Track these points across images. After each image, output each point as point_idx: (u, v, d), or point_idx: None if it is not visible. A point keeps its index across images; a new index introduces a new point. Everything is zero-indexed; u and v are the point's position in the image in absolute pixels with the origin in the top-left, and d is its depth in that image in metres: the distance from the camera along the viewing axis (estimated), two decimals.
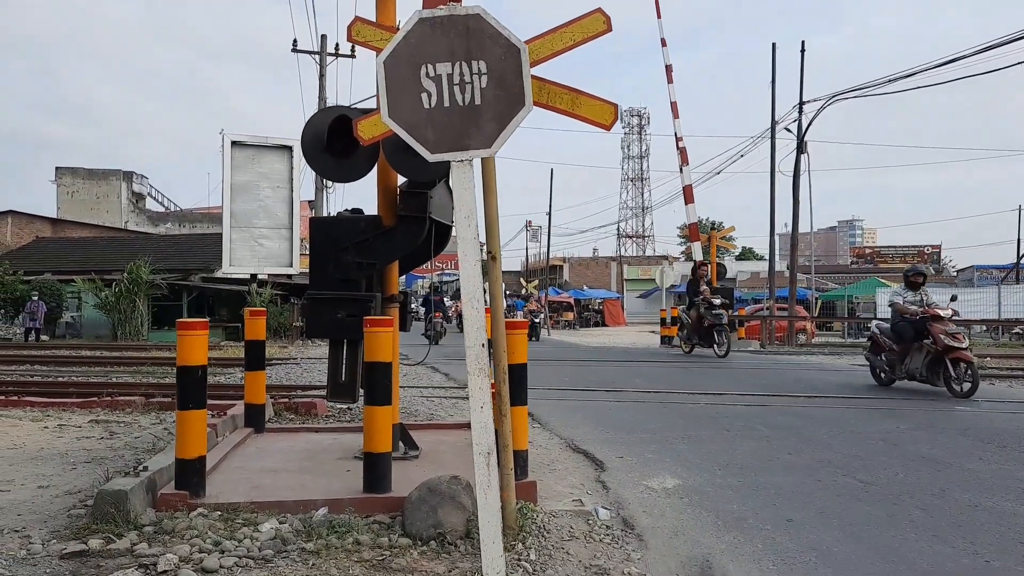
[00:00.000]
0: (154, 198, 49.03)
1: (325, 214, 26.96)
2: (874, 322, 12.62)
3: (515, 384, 4.90)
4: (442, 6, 3.66)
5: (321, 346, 20.87)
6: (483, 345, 3.54)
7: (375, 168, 5.92)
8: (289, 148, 27.57)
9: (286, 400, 9.18)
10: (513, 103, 3.56)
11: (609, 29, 4.08)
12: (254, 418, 7.01)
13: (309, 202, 30.27)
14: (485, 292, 4.04)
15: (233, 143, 25.90)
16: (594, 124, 4.08)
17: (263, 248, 27.13)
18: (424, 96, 3.56)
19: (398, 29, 4.65)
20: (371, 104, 29.14)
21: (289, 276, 26.23)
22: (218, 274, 26.94)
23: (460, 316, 20.91)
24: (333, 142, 5.81)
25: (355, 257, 5.78)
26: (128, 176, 42.90)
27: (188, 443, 4.64)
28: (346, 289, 5.78)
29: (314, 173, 26.43)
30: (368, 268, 5.82)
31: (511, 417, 4.42)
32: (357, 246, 5.80)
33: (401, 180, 5.99)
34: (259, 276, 24.16)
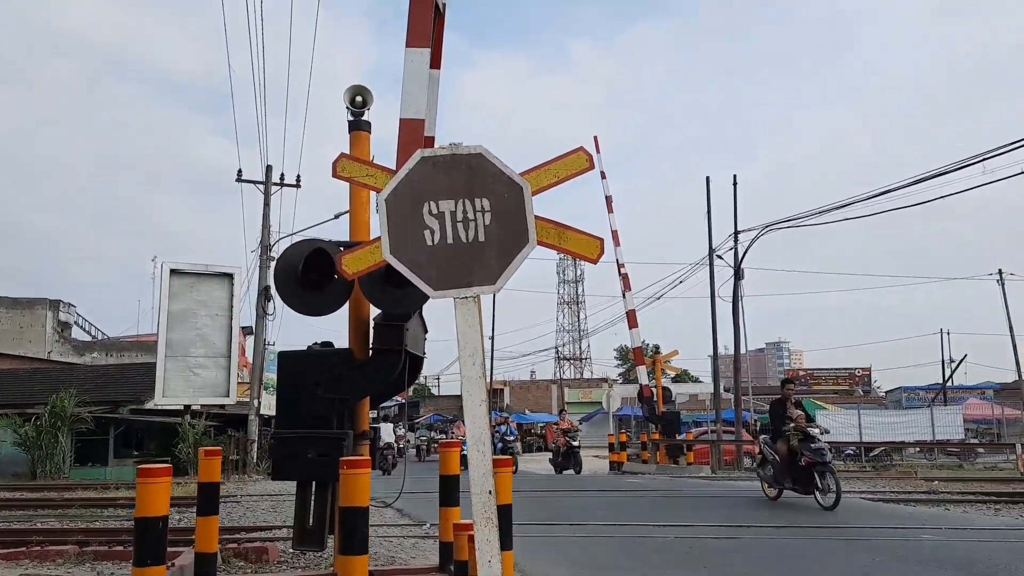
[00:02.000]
0: (80, 327, 47.35)
1: (265, 342, 26.33)
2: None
3: (501, 527, 4.65)
4: (444, 146, 3.68)
5: (261, 481, 19.86)
6: (490, 492, 3.34)
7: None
8: (230, 276, 26.91)
9: (234, 545, 8.54)
10: (517, 240, 3.54)
11: (592, 167, 4.16)
12: (205, 569, 6.46)
13: (245, 328, 29.60)
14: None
15: (172, 271, 25.15)
16: (581, 257, 4.10)
17: (198, 378, 25.98)
18: (427, 233, 3.51)
19: (372, 162, 4.66)
20: (315, 232, 29.06)
21: (223, 406, 25.16)
22: (149, 405, 25.69)
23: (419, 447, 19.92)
24: (305, 274, 5.70)
25: (326, 393, 5.56)
26: (55, 304, 41.45)
27: None
28: (316, 427, 5.52)
29: (254, 299, 26.03)
30: (340, 404, 5.59)
31: (499, 565, 4.16)
32: (328, 381, 5.59)
33: (375, 313, 5.88)
34: (193, 407, 23.15)
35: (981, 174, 14.55)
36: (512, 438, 23.71)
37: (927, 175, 15.77)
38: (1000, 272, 39.02)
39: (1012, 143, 13.47)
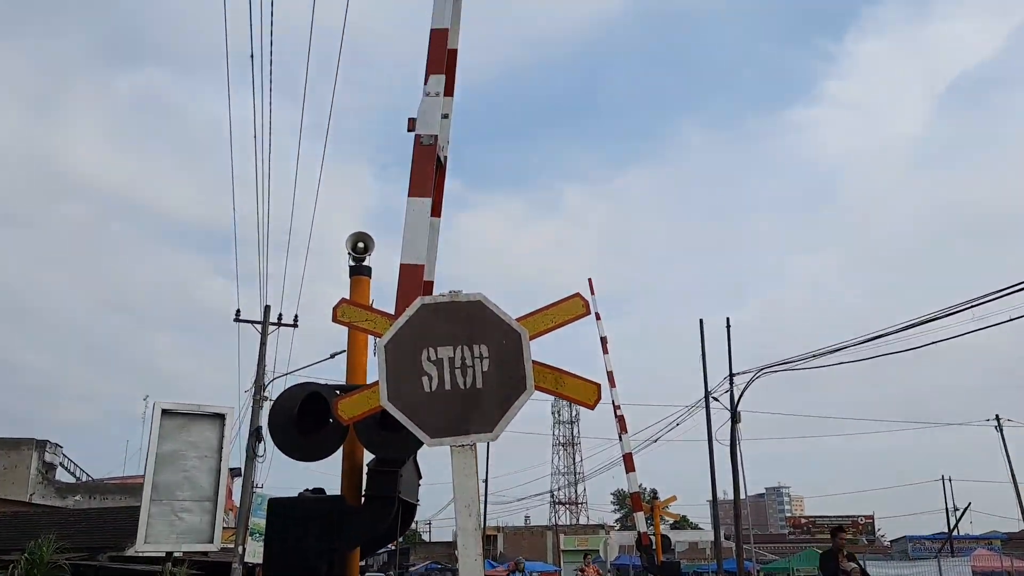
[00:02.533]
0: (66, 468, 46.16)
1: (253, 484, 25.64)
2: None
3: None
4: (444, 293, 3.77)
5: None
6: None
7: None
8: (222, 416, 26.66)
9: None
10: (515, 387, 3.56)
11: (588, 312, 4.25)
12: None
13: (233, 470, 28.94)
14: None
15: (164, 411, 24.94)
16: (578, 403, 4.11)
17: (183, 522, 25.11)
18: (425, 380, 3.54)
19: (373, 308, 4.74)
20: (310, 371, 28.96)
21: (206, 553, 24.18)
22: (129, 552, 24.66)
23: None
24: (300, 418, 5.65)
25: (317, 542, 5.37)
26: (41, 445, 40.58)
27: None
28: None
29: (244, 440, 25.57)
30: (331, 554, 5.39)
31: None
32: (320, 529, 5.42)
33: (368, 457, 5.79)
34: (175, 554, 22.22)
35: (971, 320, 14.80)
36: None
37: (917, 321, 16.01)
38: (997, 418, 38.64)
39: (1000, 290, 13.75)
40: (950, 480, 49.74)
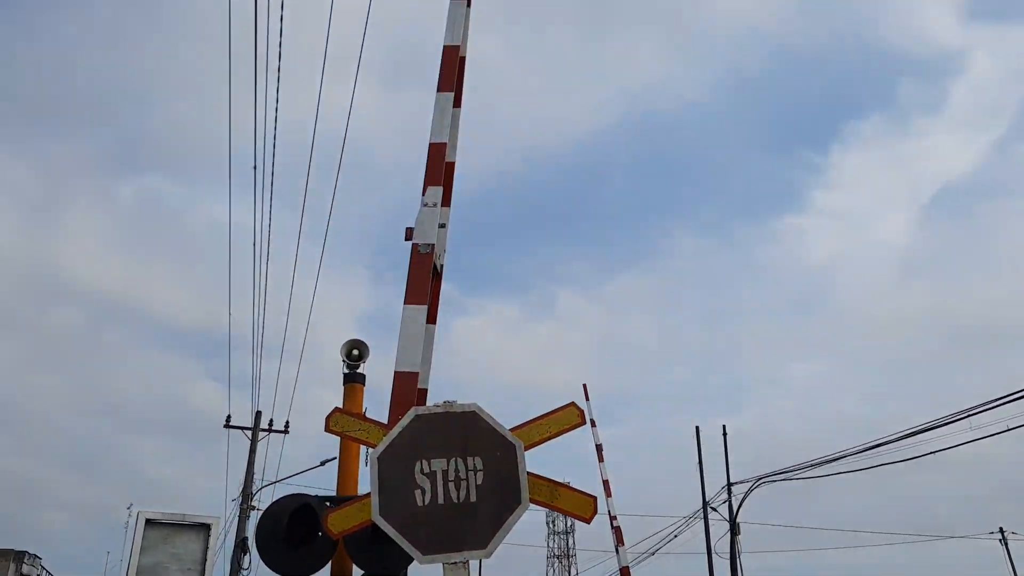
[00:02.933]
0: None
1: None
2: None
3: None
4: (438, 403, 3.74)
5: None
6: None
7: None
8: (207, 526, 25.87)
9: None
10: (509, 500, 3.49)
11: (584, 422, 4.21)
12: None
13: None
14: None
15: (147, 521, 24.20)
16: (573, 516, 4.03)
17: None
18: (418, 493, 3.47)
19: (366, 417, 4.69)
20: (302, 480, 28.31)
21: None
22: None
23: None
24: (288, 531, 5.49)
25: None
26: (19, 556, 39.15)
27: None
28: None
29: (230, 550, 24.70)
30: None
31: None
32: None
33: (358, 571, 5.60)
34: None
35: (968, 430, 14.73)
36: None
37: (914, 430, 15.88)
38: (1001, 530, 37.61)
39: (995, 400, 13.73)
40: None
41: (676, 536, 28.30)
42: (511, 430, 3.77)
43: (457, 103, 6.98)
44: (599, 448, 25.48)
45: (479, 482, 3.49)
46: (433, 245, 6.28)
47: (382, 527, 3.43)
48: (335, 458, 6.37)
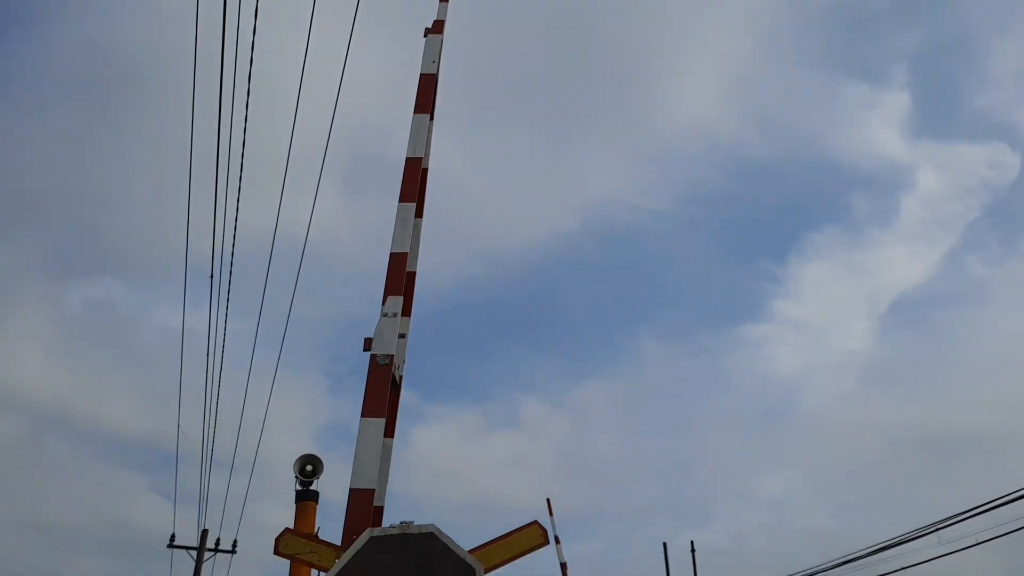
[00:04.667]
0: None
1: None
2: None
3: None
4: (394, 524, 3.55)
5: None
6: None
7: None
8: None
9: None
10: None
11: (546, 542, 4.04)
12: None
13: None
14: None
15: None
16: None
17: None
18: None
19: (318, 538, 4.44)
20: None
21: None
22: None
23: None
24: None
25: None
26: None
27: None
28: None
29: None
30: None
31: None
32: None
33: None
34: None
35: (937, 544, 14.56)
36: None
37: (883, 545, 15.66)
38: None
39: (961, 514, 13.65)
40: None
41: None
42: (471, 552, 3.58)
43: (419, 213, 7.03)
44: (563, 567, 24.60)
45: None
46: (392, 356, 6.16)
47: None
48: None
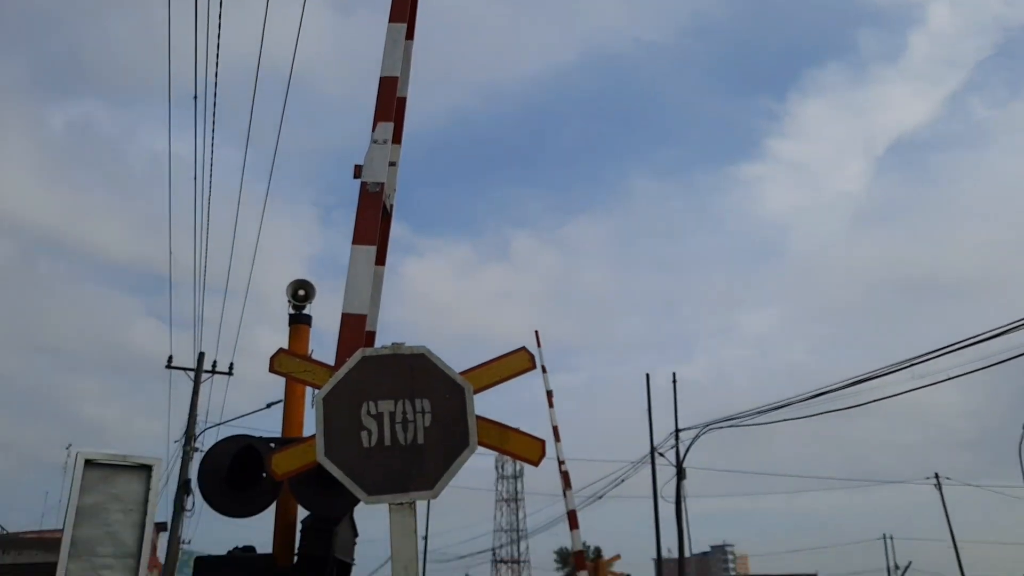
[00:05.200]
0: None
1: (180, 540, 24.53)
2: None
3: None
4: (386, 345, 3.65)
5: None
6: None
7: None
8: (148, 468, 25.46)
9: None
10: (457, 443, 3.44)
11: (534, 367, 4.16)
12: None
13: (159, 525, 27.63)
14: None
15: (87, 462, 23.76)
16: (522, 460, 4.02)
17: None
18: (364, 435, 3.39)
19: (311, 359, 4.58)
20: (246, 422, 28.16)
21: None
22: None
23: None
24: (232, 472, 5.39)
25: None
26: None
27: None
28: None
29: (173, 493, 24.51)
30: None
31: None
32: None
33: (303, 514, 5.54)
34: None
35: (912, 378, 15.16)
36: None
37: (858, 379, 16.32)
38: (937, 476, 39.33)
39: (936, 350, 14.11)
40: (891, 539, 50.33)
41: (623, 481, 29.00)
42: (460, 374, 3.71)
43: (410, 35, 6.73)
44: (549, 394, 25.76)
45: (427, 424, 3.43)
46: (383, 184, 6.11)
47: (327, 468, 3.36)
48: (280, 401, 6.26)
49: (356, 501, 5.32)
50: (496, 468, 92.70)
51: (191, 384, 25.39)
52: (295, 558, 5.42)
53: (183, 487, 23.58)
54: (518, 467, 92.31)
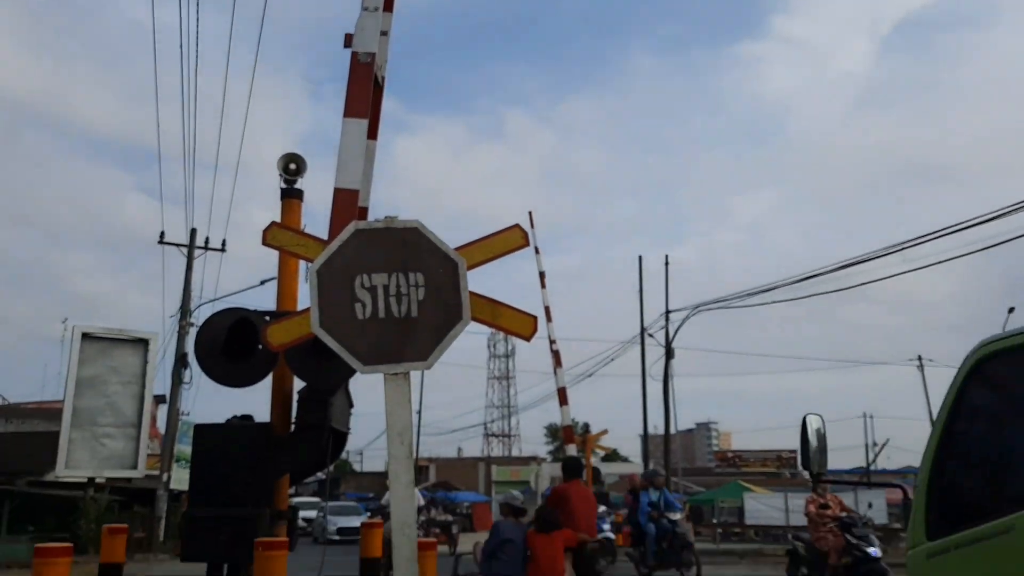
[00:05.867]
0: None
1: (179, 412, 25.22)
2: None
3: None
4: (379, 219, 3.62)
5: (168, 562, 18.73)
6: None
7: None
8: (145, 341, 25.79)
9: None
10: (450, 316, 3.47)
11: (527, 244, 4.16)
12: None
13: (158, 397, 28.32)
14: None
15: (84, 335, 23.97)
16: (514, 335, 4.07)
17: (105, 448, 24.50)
18: (358, 307, 3.42)
19: (304, 232, 4.56)
20: (240, 299, 28.38)
21: (129, 480, 23.75)
22: (49, 478, 24.06)
23: None
24: (228, 344, 5.48)
25: (244, 471, 5.28)
26: None
27: None
28: (231, 506, 5.21)
29: (170, 366, 25.02)
30: (258, 483, 5.31)
31: None
32: (247, 457, 5.32)
33: (299, 385, 5.67)
34: (97, 480, 21.76)
35: (902, 262, 15.29)
36: None
37: (849, 262, 16.43)
38: (920, 358, 40.39)
39: (928, 235, 14.12)
40: (871, 417, 52.20)
41: (613, 360, 29.71)
42: (454, 250, 3.71)
43: None
44: (542, 275, 25.98)
45: (420, 298, 3.46)
46: (374, 55, 5.91)
47: (322, 338, 3.40)
48: (274, 278, 6.29)
49: (350, 373, 5.44)
50: (488, 347, 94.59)
51: (184, 260, 25.43)
52: (292, 427, 5.59)
53: (180, 361, 24.02)
54: (510, 346, 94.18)
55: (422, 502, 18.28)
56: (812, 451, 3.44)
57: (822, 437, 3.50)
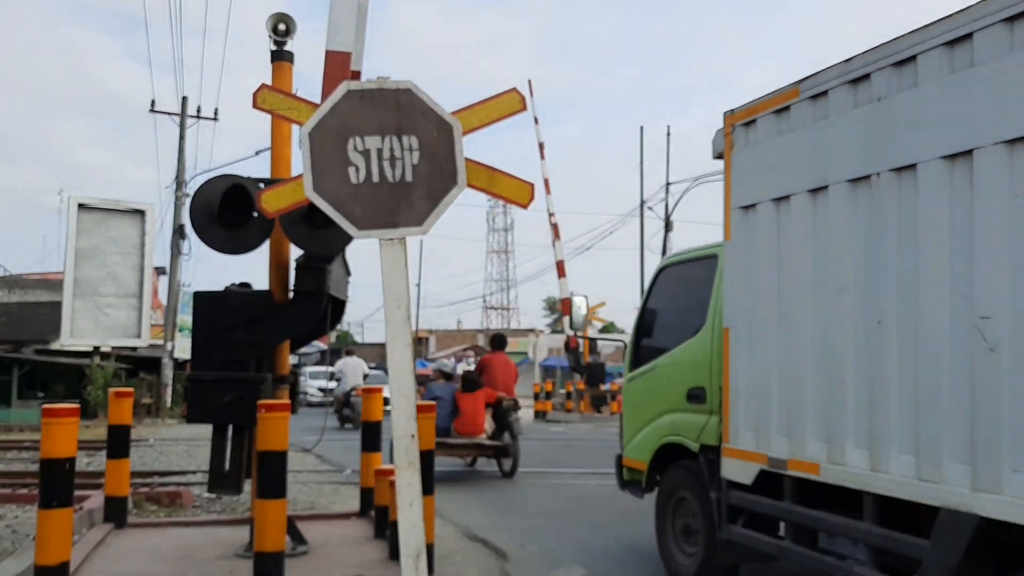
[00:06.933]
0: None
1: (179, 282, 25.46)
2: None
3: (423, 472, 4.63)
4: (371, 80, 3.51)
5: (175, 426, 19.41)
6: (413, 436, 3.29)
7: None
8: (142, 212, 25.64)
9: (146, 489, 8.31)
10: (446, 181, 3.42)
11: (524, 108, 4.04)
12: (115, 512, 6.25)
13: (158, 269, 28.51)
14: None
15: (80, 206, 23.78)
16: (511, 202, 4.02)
17: (108, 318, 24.86)
18: (352, 170, 3.36)
19: (295, 95, 4.43)
20: (234, 169, 28.09)
21: (134, 348, 24.27)
22: (55, 346, 24.57)
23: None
24: (223, 211, 5.43)
25: (244, 335, 5.36)
26: None
27: (51, 546, 4.07)
28: (233, 370, 5.33)
29: (168, 238, 25.05)
30: (258, 347, 5.40)
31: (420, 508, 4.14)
32: (246, 324, 5.39)
33: (295, 253, 5.68)
34: (102, 348, 22.24)
35: None
36: None
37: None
38: None
39: None
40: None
41: (612, 233, 29.82)
42: (450, 113, 3.61)
43: None
44: (541, 146, 25.60)
45: (415, 162, 3.40)
46: None
47: (316, 202, 3.37)
48: (268, 149, 6.17)
49: (347, 240, 5.44)
50: (487, 221, 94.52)
51: (176, 130, 24.97)
52: (290, 295, 5.64)
53: (178, 232, 24.02)
54: (509, 220, 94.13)
55: (367, 371, 18.64)
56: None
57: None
